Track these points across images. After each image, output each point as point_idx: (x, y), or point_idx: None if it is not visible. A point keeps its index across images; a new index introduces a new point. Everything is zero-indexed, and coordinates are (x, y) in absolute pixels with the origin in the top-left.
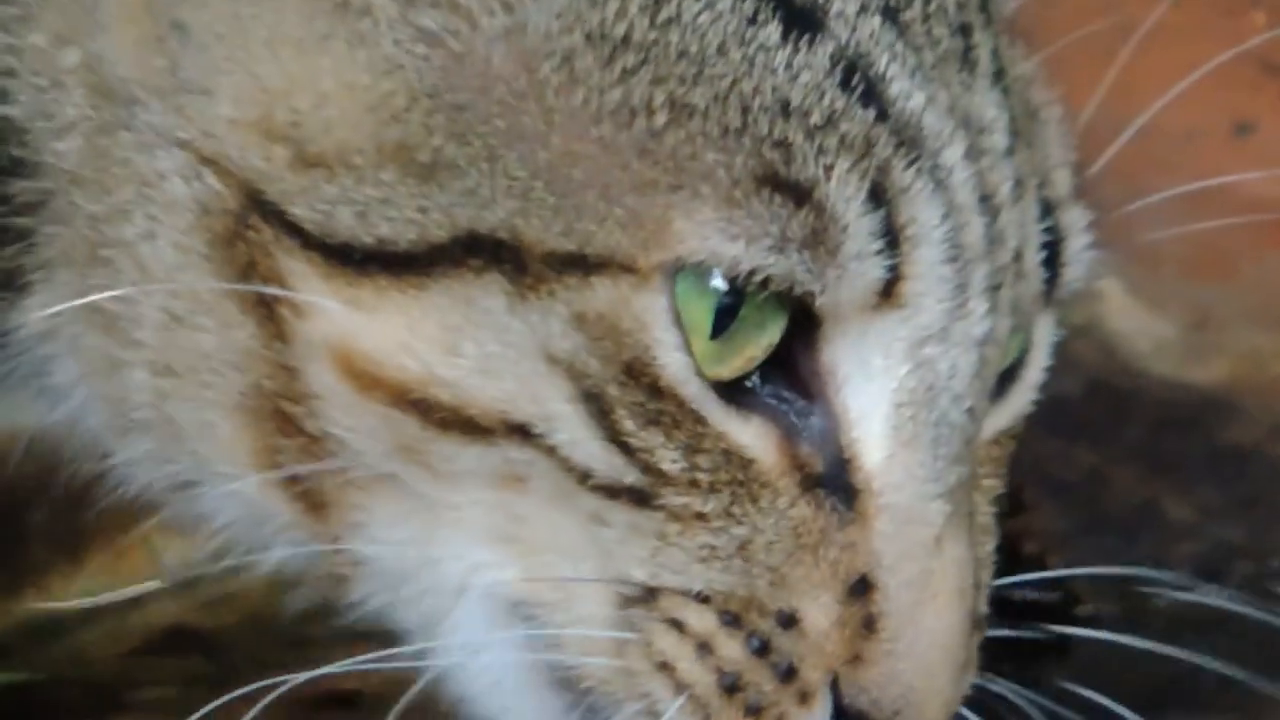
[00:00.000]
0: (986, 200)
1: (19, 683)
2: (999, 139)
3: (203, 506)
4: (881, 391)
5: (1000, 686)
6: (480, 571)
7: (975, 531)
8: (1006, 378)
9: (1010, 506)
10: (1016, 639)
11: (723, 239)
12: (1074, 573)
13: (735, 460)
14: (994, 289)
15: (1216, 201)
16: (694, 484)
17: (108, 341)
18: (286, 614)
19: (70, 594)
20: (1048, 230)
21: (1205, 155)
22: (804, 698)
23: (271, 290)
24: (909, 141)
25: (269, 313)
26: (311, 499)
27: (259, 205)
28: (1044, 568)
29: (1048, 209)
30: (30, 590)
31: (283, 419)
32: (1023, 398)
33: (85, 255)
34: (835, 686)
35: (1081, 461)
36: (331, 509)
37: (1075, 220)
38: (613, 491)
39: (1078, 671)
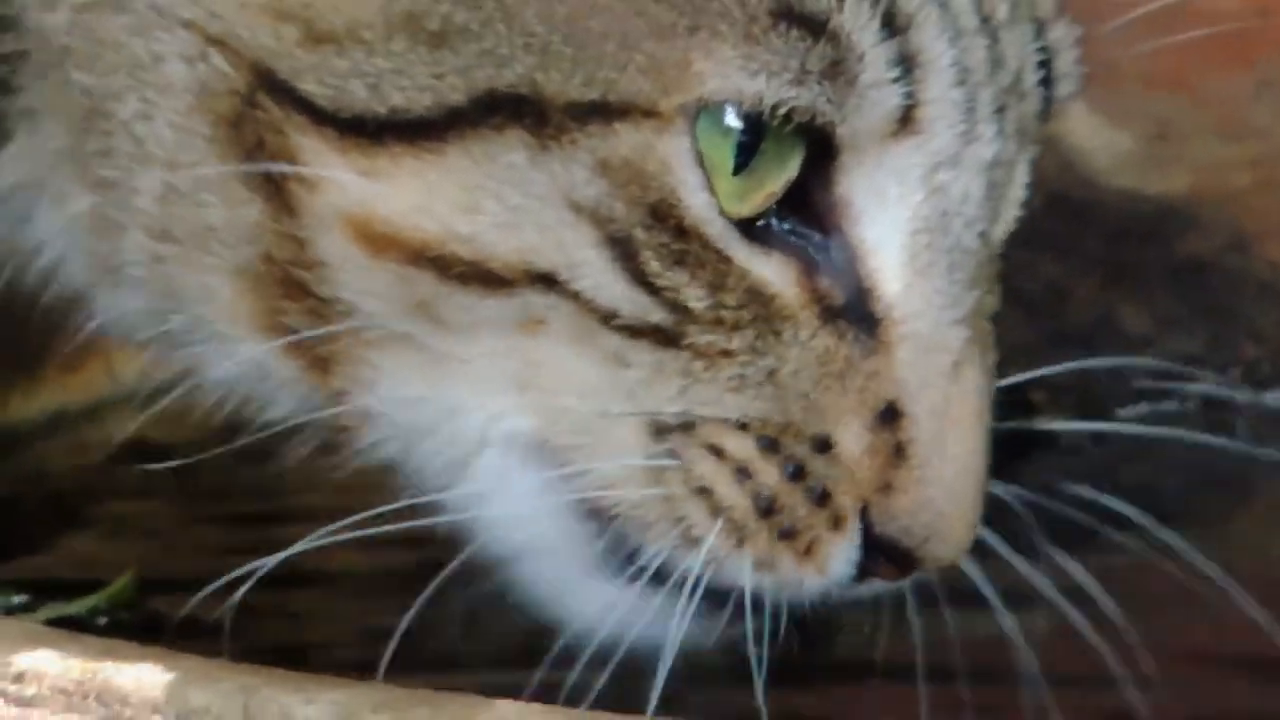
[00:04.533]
0: (986, 22)
1: None
2: None
3: (199, 362)
4: (897, 220)
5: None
6: (498, 421)
7: (987, 354)
8: None
9: None
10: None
11: (744, 76)
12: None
13: (758, 296)
14: (999, 111)
15: (1177, 16)
16: (719, 321)
17: (102, 202)
18: (250, 431)
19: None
20: (1040, 50)
21: None
22: (837, 522)
23: (282, 168)
24: None
25: (276, 189)
26: (315, 358)
27: (268, 84)
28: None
29: (1039, 28)
30: None
31: (290, 284)
32: (1010, 214)
33: (79, 118)
34: (865, 516)
35: (1042, 273)
36: (337, 366)
37: (1063, 36)
38: (636, 331)
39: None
